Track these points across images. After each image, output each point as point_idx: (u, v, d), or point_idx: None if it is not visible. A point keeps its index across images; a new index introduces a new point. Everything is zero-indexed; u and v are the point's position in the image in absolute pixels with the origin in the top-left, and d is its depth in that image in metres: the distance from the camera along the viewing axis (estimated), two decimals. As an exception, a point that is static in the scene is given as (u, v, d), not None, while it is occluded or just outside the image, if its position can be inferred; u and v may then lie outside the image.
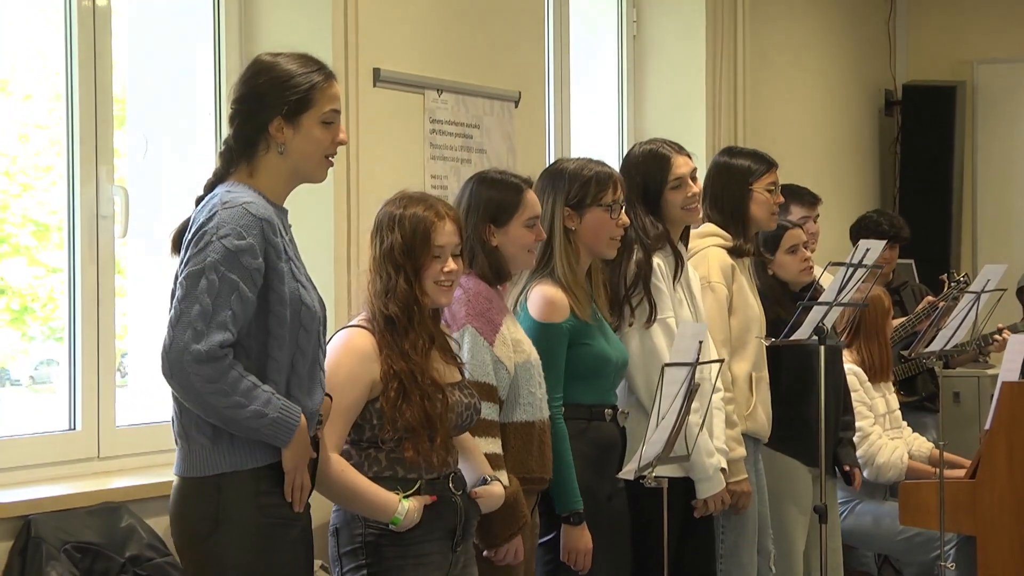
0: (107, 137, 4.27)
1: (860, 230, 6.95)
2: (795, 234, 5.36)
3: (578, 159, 4.36)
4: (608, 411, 4.27)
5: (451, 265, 3.63)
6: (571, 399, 4.16)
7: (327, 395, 3.33)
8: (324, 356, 3.30)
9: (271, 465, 3.14)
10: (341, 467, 3.48)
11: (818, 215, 6.41)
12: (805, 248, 5.39)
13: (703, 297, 4.71)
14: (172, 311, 3.09)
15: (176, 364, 3.03)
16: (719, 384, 4.59)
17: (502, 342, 3.90)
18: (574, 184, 4.25)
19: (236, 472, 3.12)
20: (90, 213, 4.22)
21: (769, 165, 5.00)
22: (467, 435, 3.77)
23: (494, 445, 3.85)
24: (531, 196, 4.04)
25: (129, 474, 4.21)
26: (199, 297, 3.05)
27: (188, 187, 3.37)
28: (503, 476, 3.82)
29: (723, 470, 4.54)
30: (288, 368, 3.15)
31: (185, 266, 3.10)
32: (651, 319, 4.44)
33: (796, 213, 6.26)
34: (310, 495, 3.26)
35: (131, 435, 4.32)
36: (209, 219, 3.10)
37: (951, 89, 8.85)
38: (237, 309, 3.06)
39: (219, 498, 3.11)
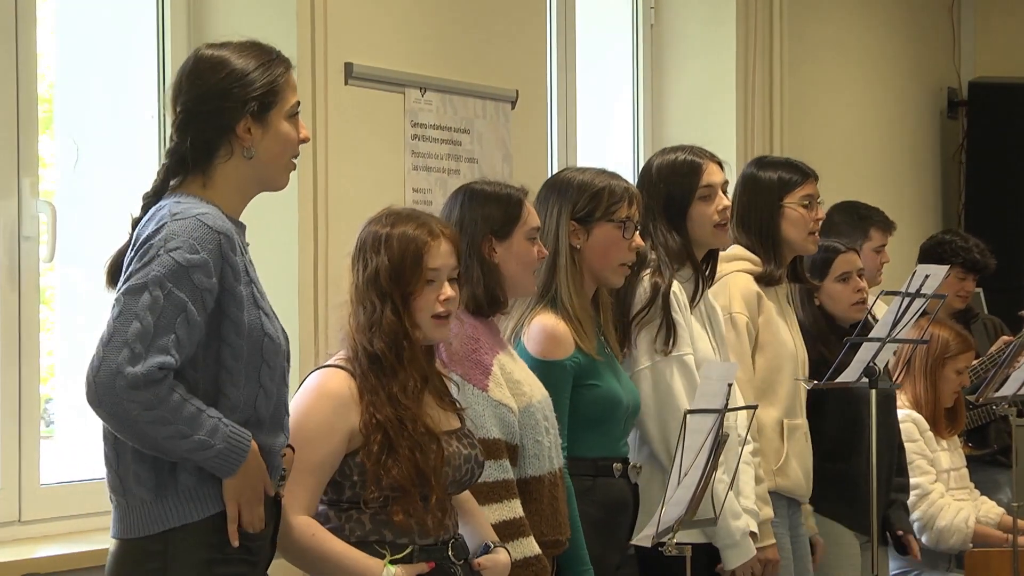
0: (31, 144, 4.28)
1: (937, 256, 6.82)
2: (849, 259, 5.37)
3: (588, 168, 4.42)
4: (617, 465, 4.29)
5: (447, 291, 3.62)
6: (575, 451, 4.18)
7: (289, 446, 3.35)
8: (287, 396, 3.32)
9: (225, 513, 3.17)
10: (311, 531, 3.48)
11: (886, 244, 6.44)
12: (860, 277, 5.41)
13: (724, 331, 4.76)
14: (104, 330, 3.06)
15: (106, 389, 3.00)
16: (748, 435, 4.61)
17: (496, 384, 3.92)
18: (582, 195, 4.30)
19: (186, 526, 3.13)
20: (10, 233, 4.22)
21: (804, 175, 5.03)
22: (467, 494, 3.77)
23: (511, 509, 3.85)
24: (529, 206, 4.09)
25: (56, 541, 4.20)
26: (139, 314, 3.03)
27: (126, 202, 3.38)
28: (528, 544, 3.83)
29: (753, 534, 4.56)
30: (249, 409, 3.16)
31: (125, 282, 3.09)
32: (669, 347, 4.46)
33: (876, 239, 6.27)
34: (272, 555, 3.28)
35: (58, 495, 4.32)
36: (157, 231, 3.11)
37: (1026, 87, 8.90)
38: (183, 334, 3.05)
39: (165, 558, 3.12)
